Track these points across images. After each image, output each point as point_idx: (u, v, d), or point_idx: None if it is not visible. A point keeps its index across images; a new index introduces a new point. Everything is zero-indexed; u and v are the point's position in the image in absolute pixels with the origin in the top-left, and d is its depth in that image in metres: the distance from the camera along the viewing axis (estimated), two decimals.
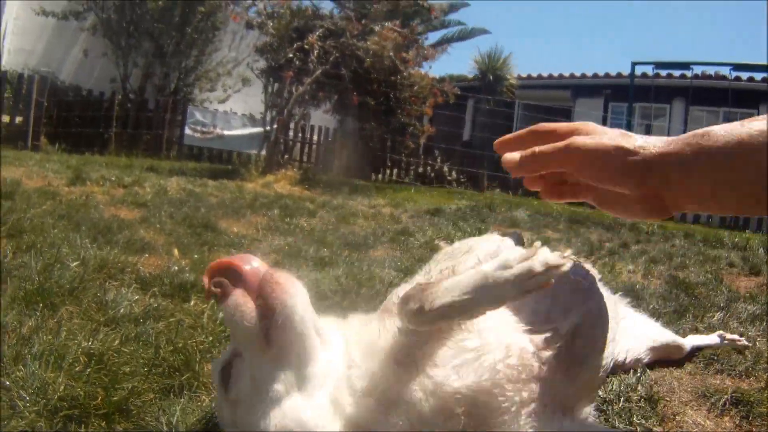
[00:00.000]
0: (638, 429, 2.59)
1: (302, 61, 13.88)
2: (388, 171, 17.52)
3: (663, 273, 6.58)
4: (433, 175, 17.57)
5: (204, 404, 2.30)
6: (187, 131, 15.95)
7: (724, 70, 16.63)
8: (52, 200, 6.47)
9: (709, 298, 5.23)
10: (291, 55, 13.87)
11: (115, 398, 2.15)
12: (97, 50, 17.24)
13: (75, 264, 3.87)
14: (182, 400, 2.29)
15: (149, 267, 4.26)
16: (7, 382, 2.22)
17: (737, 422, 2.78)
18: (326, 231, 6.95)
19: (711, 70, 18.19)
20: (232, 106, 17.26)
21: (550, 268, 1.44)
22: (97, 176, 9.05)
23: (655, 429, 2.63)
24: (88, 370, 2.32)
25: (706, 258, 7.84)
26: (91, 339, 2.61)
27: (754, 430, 2.71)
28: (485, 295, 1.45)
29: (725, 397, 2.94)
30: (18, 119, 15.11)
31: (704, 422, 2.76)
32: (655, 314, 4.52)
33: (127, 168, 11.62)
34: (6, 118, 15.14)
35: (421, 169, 17.76)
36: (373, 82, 14.79)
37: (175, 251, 4.81)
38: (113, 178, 9.09)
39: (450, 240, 7.35)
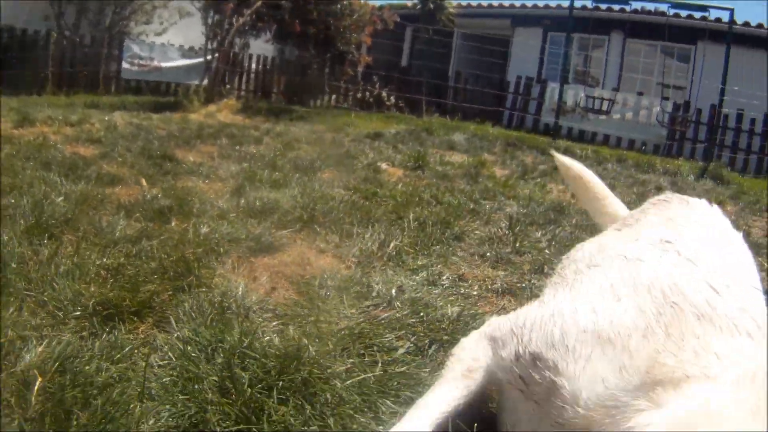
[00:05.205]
0: None
1: None
2: (326, 97, 17.72)
3: None
4: (371, 100, 17.80)
5: (209, 297, 2.84)
6: (125, 65, 15.82)
7: (663, 7, 16.75)
8: (9, 144, 6.67)
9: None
10: None
11: (141, 298, 2.66)
12: None
13: (60, 199, 4.27)
14: (189, 296, 2.82)
15: (125, 197, 4.69)
16: (44, 298, 2.70)
17: None
18: (275, 156, 7.38)
19: (650, 6, 18.28)
20: (169, 38, 17.10)
21: None
22: (42, 117, 9.11)
23: None
24: (111, 280, 2.82)
25: (635, 181, 8.57)
26: (103, 257, 3.10)
27: None
28: None
29: None
30: None
31: None
32: (579, 227, 5.20)
33: (69, 106, 11.65)
34: None
35: (360, 95, 17.98)
36: (312, 11, 14.96)
37: (143, 181, 5.22)
38: (60, 117, 9.20)
39: (391, 162, 7.91)
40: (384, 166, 7.64)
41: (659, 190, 8.09)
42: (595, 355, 1.54)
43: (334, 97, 17.82)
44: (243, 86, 16.81)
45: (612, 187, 7.62)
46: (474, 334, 2.07)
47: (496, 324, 2.00)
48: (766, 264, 4.59)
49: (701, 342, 1.51)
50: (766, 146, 14.84)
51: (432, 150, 9.44)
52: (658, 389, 1.40)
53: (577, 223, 5.37)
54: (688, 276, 1.81)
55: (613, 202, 3.38)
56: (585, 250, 2.35)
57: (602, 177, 8.28)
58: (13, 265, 3.00)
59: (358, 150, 8.68)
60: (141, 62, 16.04)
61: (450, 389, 1.84)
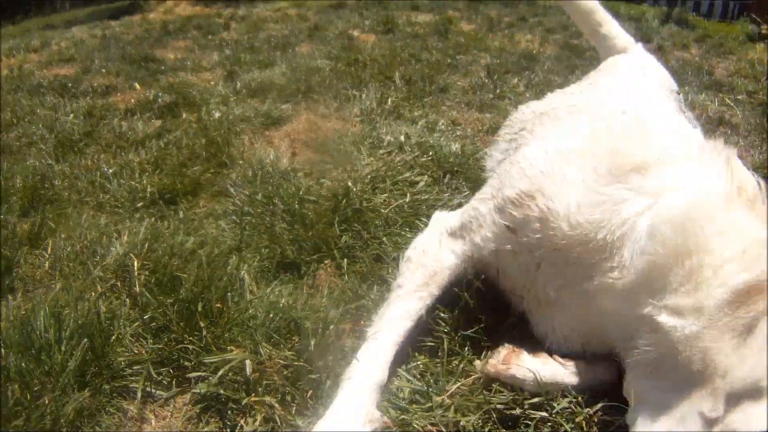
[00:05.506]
0: None
1: None
2: None
3: (558, 41, 7.44)
4: None
5: (251, 166, 3.14)
6: None
7: None
8: None
9: (597, 59, 6.10)
10: None
11: (190, 179, 2.93)
12: None
13: (70, 117, 4.42)
14: (232, 170, 3.10)
15: (126, 102, 4.83)
16: (101, 201, 2.95)
17: None
18: (249, 39, 7.44)
19: None
20: None
21: None
22: (3, 49, 8.97)
23: None
24: (157, 171, 3.07)
25: None
26: (140, 154, 3.34)
27: None
28: None
29: None
30: None
31: None
32: (551, 72, 5.48)
33: (24, 34, 11.38)
34: None
35: None
36: None
37: (137, 85, 5.33)
38: (21, 46, 9.03)
39: (362, 29, 7.99)
40: (356, 33, 7.72)
41: None
42: (567, 168, 1.78)
43: None
44: None
45: (577, 35, 7.81)
46: (429, 237, 2.03)
47: (446, 219, 2.05)
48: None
49: (650, 137, 1.81)
50: None
51: (397, 12, 9.41)
52: (630, 176, 1.68)
53: (549, 69, 5.65)
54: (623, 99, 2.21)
55: (613, 30, 3.51)
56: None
57: (565, 26, 8.50)
58: (57, 182, 3.22)
59: (325, 21, 8.71)
60: None
61: (411, 301, 1.86)
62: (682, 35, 8.43)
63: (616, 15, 9.83)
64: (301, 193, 2.59)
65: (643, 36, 8.07)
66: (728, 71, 6.22)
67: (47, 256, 2.46)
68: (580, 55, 6.45)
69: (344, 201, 2.54)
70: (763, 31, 7.35)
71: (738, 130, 4.20)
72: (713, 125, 4.27)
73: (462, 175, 3.07)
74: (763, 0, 9.06)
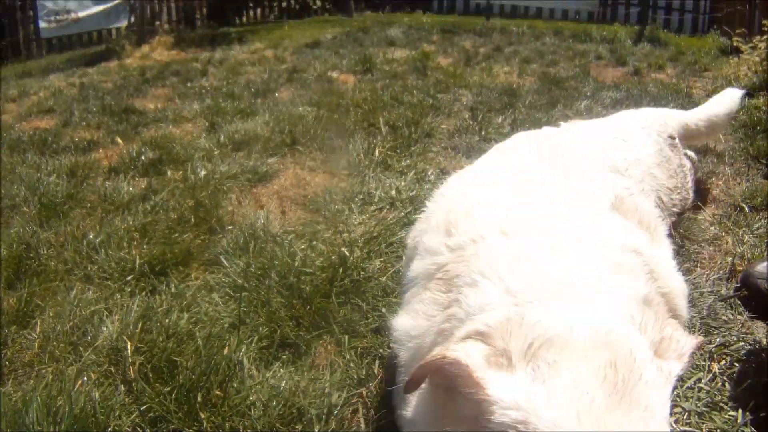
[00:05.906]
0: None
1: None
2: (251, 12, 17.17)
3: (536, 71, 7.51)
4: (297, 7, 17.33)
5: (243, 231, 3.07)
6: (42, 24, 15.04)
7: None
8: None
9: (578, 89, 6.24)
10: None
11: (180, 248, 2.87)
12: None
13: (52, 178, 4.34)
14: (222, 236, 3.04)
15: (109, 159, 4.75)
16: (90, 273, 2.87)
17: None
18: (228, 85, 7.42)
19: None
20: None
21: None
22: None
23: None
24: (145, 239, 3.00)
25: (575, 53, 8.78)
26: (127, 219, 3.27)
27: None
28: None
29: None
30: None
31: None
32: (533, 107, 5.51)
33: (0, 81, 11.31)
34: None
35: (284, 4, 17.47)
36: None
37: (119, 140, 5.27)
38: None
39: (340, 69, 8.01)
40: (334, 74, 7.74)
41: (600, 59, 8.35)
42: None
43: (259, 11, 17.25)
44: (165, 18, 16.17)
45: (554, 63, 7.92)
46: None
47: None
48: None
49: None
50: (699, 4, 14.38)
51: (373, 50, 9.48)
52: None
53: (531, 104, 5.68)
54: None
55: None
56: None
57: (541, 53, 8.62)
58: (42, 251, 3.13)
59: (303, 62, 8.74)
60: (58, 18, 15.25)
61: None
62: (655, 54, 8.52)
63: (589, 38, 10.01)
64: (297, 264, 2.53)
65: (619, 59, 8.18)
66: (706, 90, 6.22)
67: (36, 336, 2.38)
68: (558, 85, 6.51)
69: (341, 270, 2.50)
70: (735, 44, 7.43)
71: (724, 158, 4.14)
72: (700, 155, 4.25)
73: None
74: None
